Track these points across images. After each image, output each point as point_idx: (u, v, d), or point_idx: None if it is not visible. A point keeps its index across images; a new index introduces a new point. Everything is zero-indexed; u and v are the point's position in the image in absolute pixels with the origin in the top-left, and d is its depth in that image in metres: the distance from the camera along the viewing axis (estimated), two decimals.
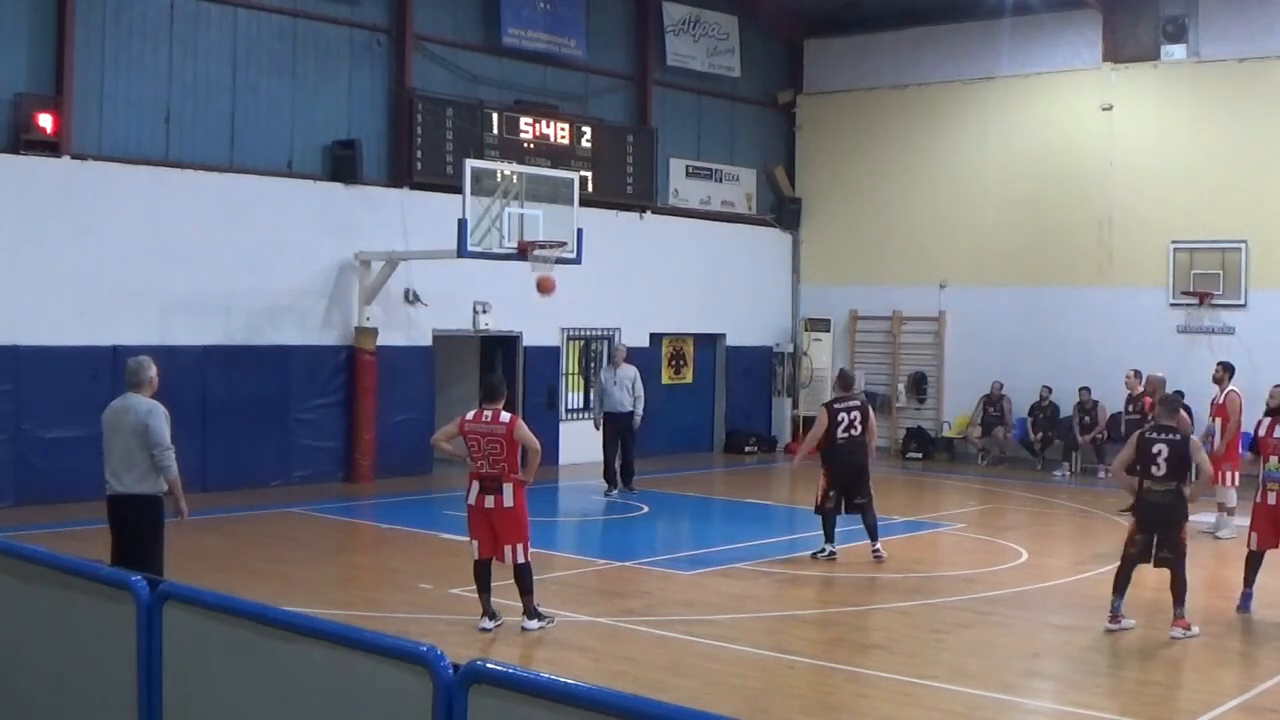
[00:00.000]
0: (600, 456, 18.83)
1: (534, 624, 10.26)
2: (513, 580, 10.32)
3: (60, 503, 15.72)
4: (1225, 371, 16.24)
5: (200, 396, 17.51)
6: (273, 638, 4.80)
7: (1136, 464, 10.63)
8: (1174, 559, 10.49)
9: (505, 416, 10.27)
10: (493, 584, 10.41)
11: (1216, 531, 15.39)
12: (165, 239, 17.21)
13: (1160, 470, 10.45)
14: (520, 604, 10.30)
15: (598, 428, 18.77)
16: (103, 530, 14.62)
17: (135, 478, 9.51)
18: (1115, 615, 10.60)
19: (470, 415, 10.36)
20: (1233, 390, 15.98)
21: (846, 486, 13.68)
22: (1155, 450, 10.49)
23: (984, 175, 23.81)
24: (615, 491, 18.36)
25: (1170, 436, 10.54)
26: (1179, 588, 10.48)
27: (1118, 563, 10.78)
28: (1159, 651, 10.27)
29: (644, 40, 23.54)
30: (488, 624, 10.26)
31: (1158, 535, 10.49)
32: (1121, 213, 22.33)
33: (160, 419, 9.58)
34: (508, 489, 10.16)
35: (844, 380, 14.37)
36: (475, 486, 10.25)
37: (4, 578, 6.11)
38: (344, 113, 19.38)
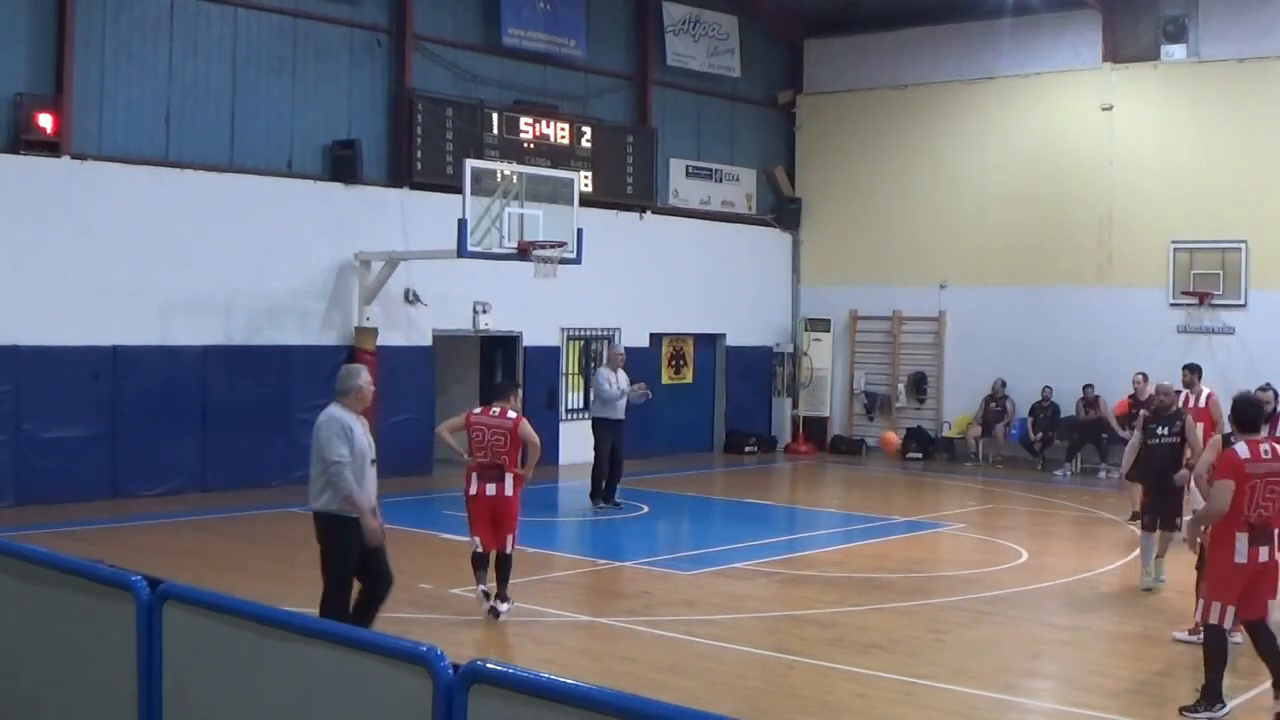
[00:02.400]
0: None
1: (505, 606, 10.69)
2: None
3: (60, 503, 15.75)
4: (1195, 375, 15.85)
5: (200, 396, 17.53)
6: (273, 638, 4.80)
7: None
8: None
9: (512, 413, 10.84)
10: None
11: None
12: (165, 239, 17.21)
13: None
14: (496, 589, 10.78)
15: (642, 391, 17.34)
16: (105, 530, 14.71)
17: (314, 493, 8.83)
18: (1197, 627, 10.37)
19: (478, 409, 11.05)
20: (1211, 392, 15.75)
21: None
22: None
23: (984, 175, 23.80)
24: (603, 506, 16.98)
25: None
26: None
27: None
28: (1159, 651, 10.27)
29: (644, 40, 23.54)
30: (486, 587, 10.75)
31: None
32: (1121, 213, 22.33)
33: (330, 429, 8.70)
34: (508, 479, 10.72)
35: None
36: (475, 477, 10.77)
37: (4, 578, 6.10)
38: (344, 113, 19.38)
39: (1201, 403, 15.60)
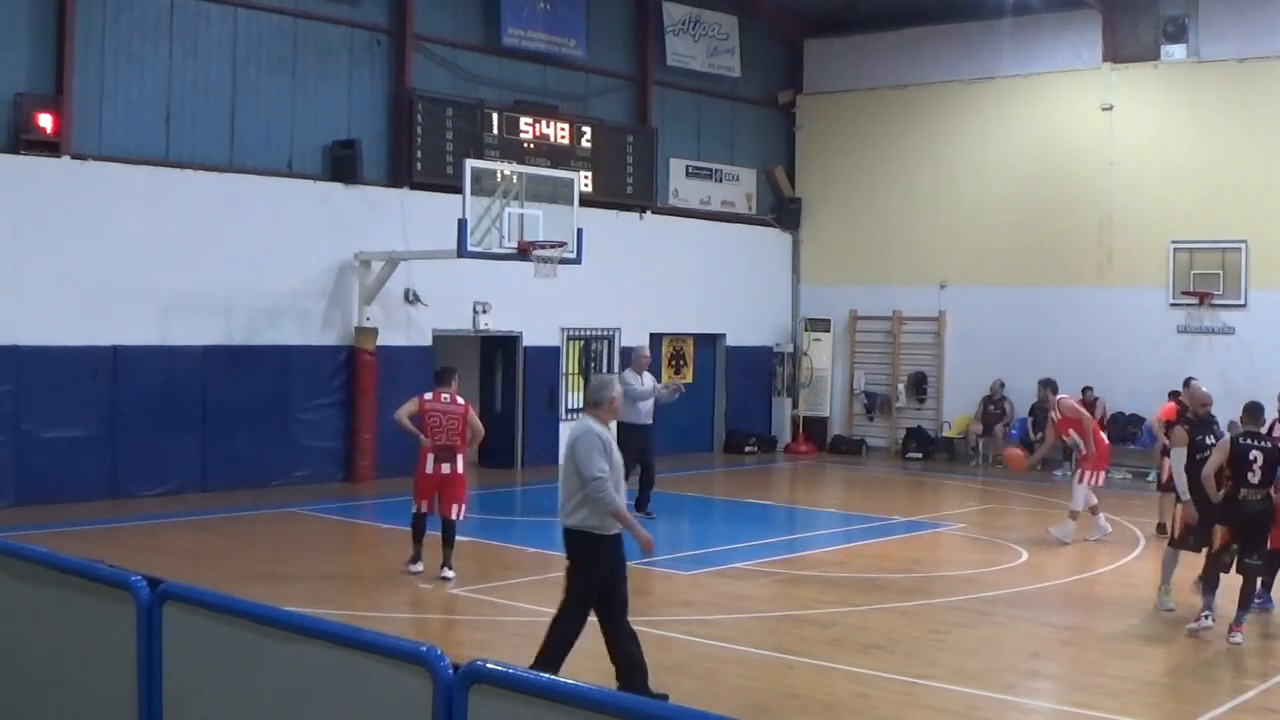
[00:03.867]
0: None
1: (450, 573, 12.13)
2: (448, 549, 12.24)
3: (60, 503, 15.75)
4: (1049, 389, 15.80)
5: (200, 396, 17.53)
6: (273, 638, 4.80)
7: (1227, 471, 10.52)
8: (1260, 567, 10.53)
9: (460, 399, 12.39)
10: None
11: (1061, 535, 15.16)
12: (165, 239, 17.21)
13: (1256, 477, 10.39)
14: (443, 555, 12.23)
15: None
16: (105, 530, 14.70)
17: (568, 510, 8.53)
18: (1203, 615, 10.49)
19: (429, 396, 12.40)
20: (1062, 397, 15.74)
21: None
22: (1251, 457, 10.41)
23: (984, 175, 23.80)
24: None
25: (1264, 444, 10.48)
26: (1251, 596, 10.52)
27: (1204, 563, 10.74)
28: (1159, 651, 10.28)
29: (644, 40, 23.53)
30: (418, 568, 12.28)
31: (1246, 543, 10.45)
32: (1121, 213, 22.33)
33: (588, 444, 8.41)
34: (459, 459, 12.26)
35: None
36: (431, 458, 12.22)
37: (4, 578, 6.10)
38: (344, 113, 19.38)
39: (1058, 415, 15.58)
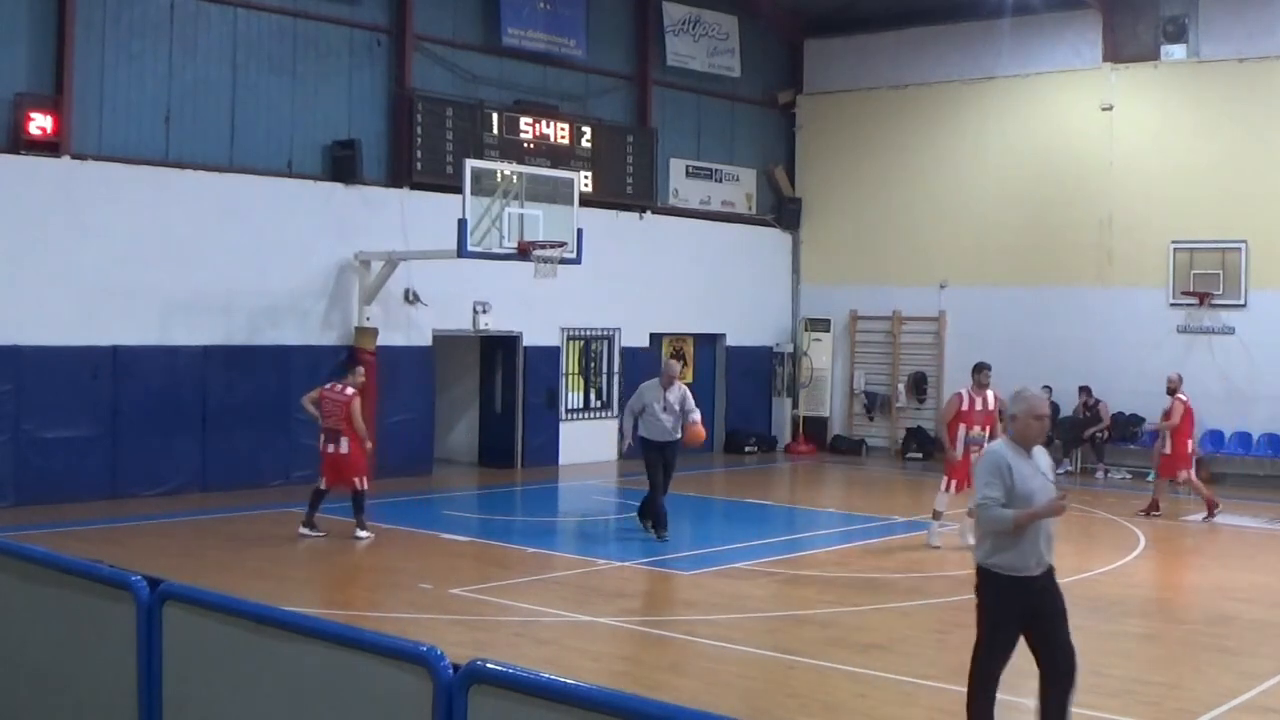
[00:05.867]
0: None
1: (364, 534, 14.27)
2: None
3: (60, 503, 15.75)
4: (984, 371, 14.93)
5: (200, 396, 17.53)
6: (273, 638, 4.80)
7: None
8: None
9: (349, 390, 14.20)
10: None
11: (930, 540, 14.77)
12: (165, 239, 17.21)
13: None
14: (356, 520, 14.37)
15: (625, 445, 15.79)
16: (105, 530, 14.71)
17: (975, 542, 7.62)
18: None
19: (327, 386, 14.53)
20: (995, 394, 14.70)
21: None
22: None
23: (984, 175, 23.80)
24: (655, 530, 14.91)
25: None
26: None
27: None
28: (1159, 651, 10.27)
29: (644, 40, 23.53)
30: (309, 532, 14.25)
31: None
32: (1121, 213, 22.32)
33: (983, 466, 7.39)
34: (344, 440, 14.10)
35: None
36: (323, 437, 14.29)
37: (4, 578, 6.10)
38: (344, 113, 19.38)
39: (992, 405, 14.64)
